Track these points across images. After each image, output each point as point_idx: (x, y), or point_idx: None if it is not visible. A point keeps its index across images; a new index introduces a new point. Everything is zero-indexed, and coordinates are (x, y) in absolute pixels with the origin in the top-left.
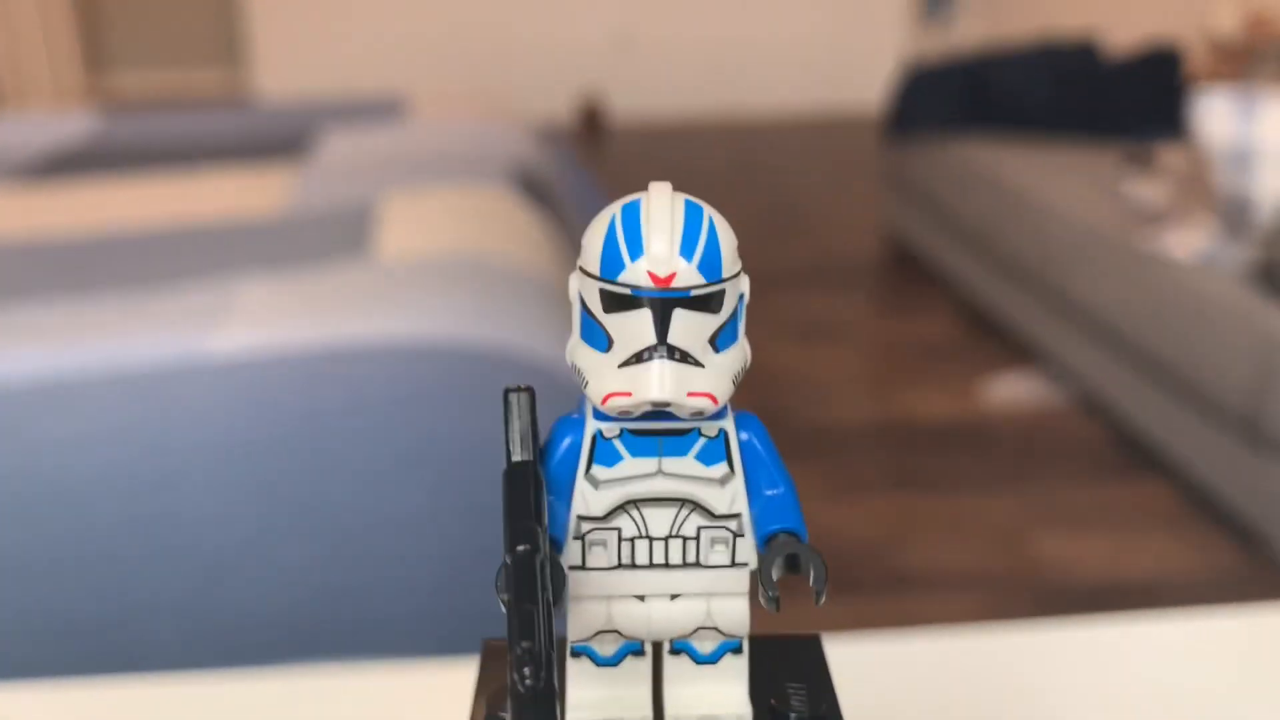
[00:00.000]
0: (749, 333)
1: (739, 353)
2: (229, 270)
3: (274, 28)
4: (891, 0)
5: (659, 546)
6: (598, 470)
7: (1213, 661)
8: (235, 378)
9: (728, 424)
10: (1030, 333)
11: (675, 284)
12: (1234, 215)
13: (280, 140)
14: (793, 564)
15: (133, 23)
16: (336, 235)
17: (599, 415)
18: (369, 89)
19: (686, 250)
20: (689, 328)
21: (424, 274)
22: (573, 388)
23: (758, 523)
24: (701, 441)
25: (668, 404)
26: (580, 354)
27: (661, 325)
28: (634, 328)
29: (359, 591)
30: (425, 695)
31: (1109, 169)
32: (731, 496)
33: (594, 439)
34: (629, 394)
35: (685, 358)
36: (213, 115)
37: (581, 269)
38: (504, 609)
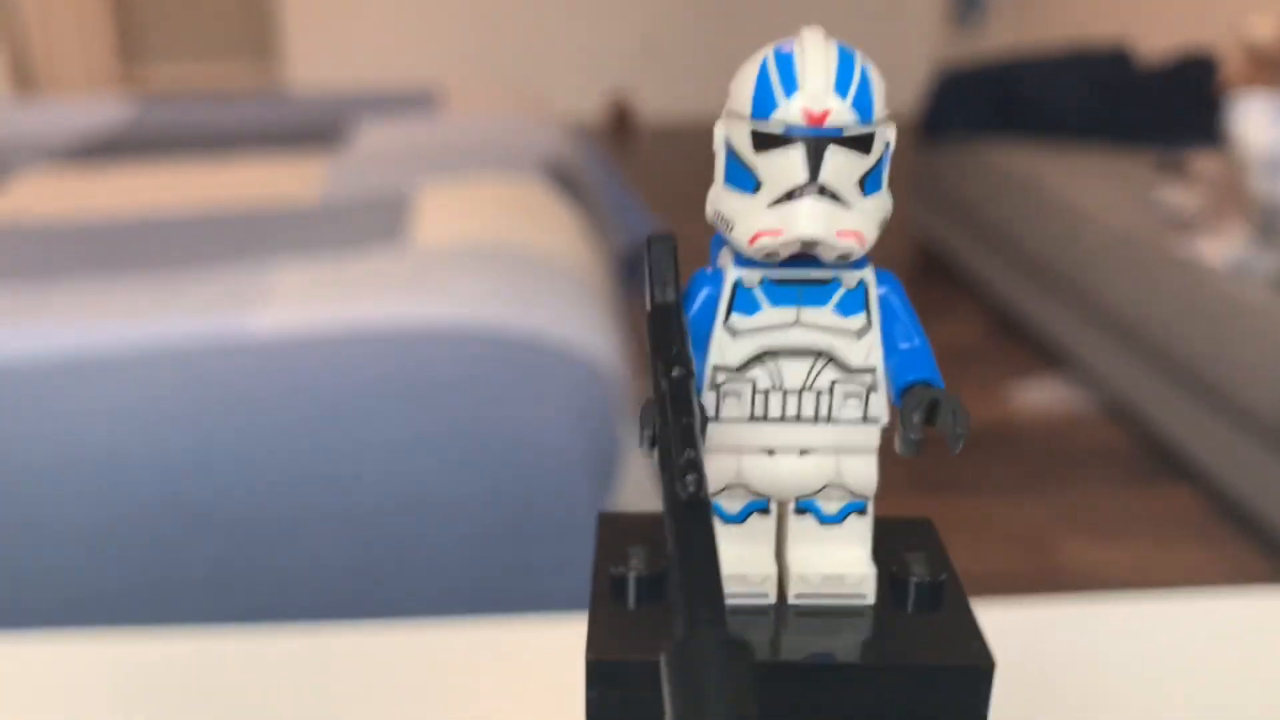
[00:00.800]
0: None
1: (885, 199)
2: (265, 254)
3: (306, 22)
4: (923, 4)
5: (792, 399)
6: (736, 319)
7: (1239, 641)
8: (270, 358)
9: (868, 275)
10: (1059, 338)
11: (829, 122)
12: (1267, 222)
13: (315, 129)
14: (929, 416)
15: (166, 15)
16: (372, 222)
17: (741, 262)
18: (402, 81)
19: (841, 89)
20: (840, 167)
21: (457, 260)
22: (608, 377)
23: (894, 375)
24: (841, 292)
25: (817, 242)
26: (725, 200)
27: (814, 163)
28: (785, 166)
29: (389, 570)
30: (461, 653)
31: (1141, 175)
32: (868, 349)
33: (734, 287)
34: (779, 231)
35: (835, 197)
36: (248, 104)
37: (730, 112)
38: (645, 446)
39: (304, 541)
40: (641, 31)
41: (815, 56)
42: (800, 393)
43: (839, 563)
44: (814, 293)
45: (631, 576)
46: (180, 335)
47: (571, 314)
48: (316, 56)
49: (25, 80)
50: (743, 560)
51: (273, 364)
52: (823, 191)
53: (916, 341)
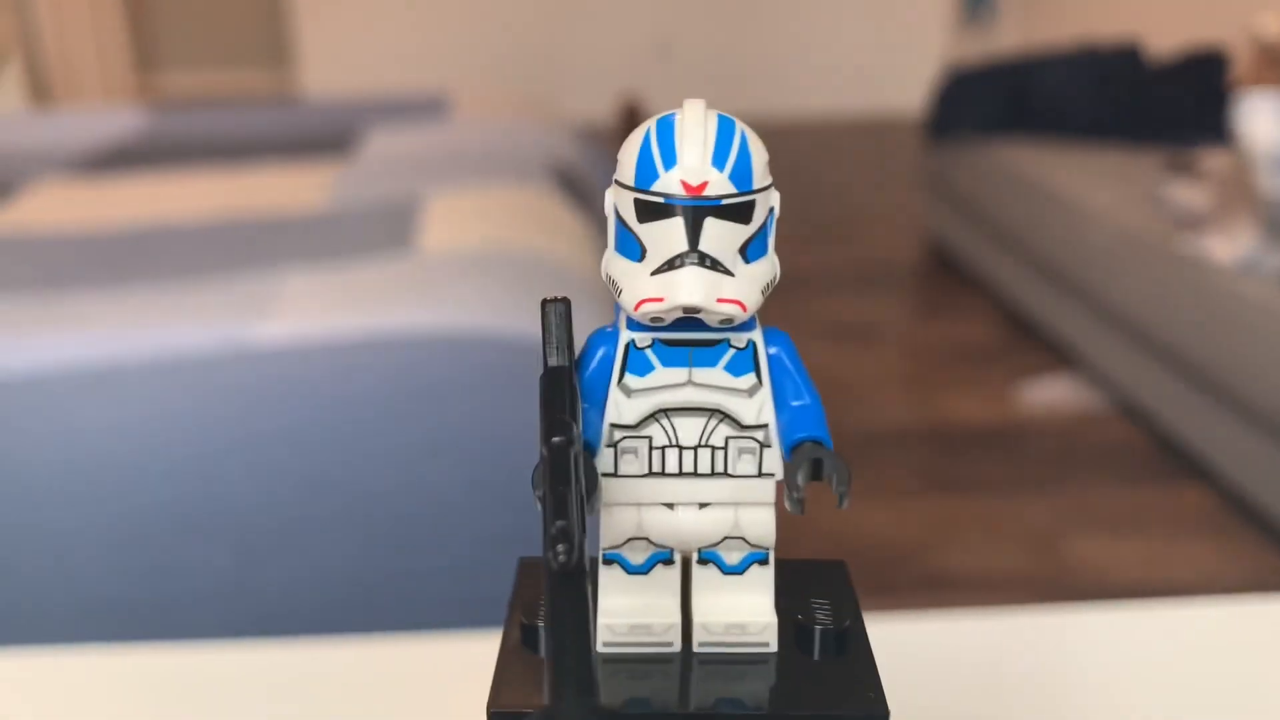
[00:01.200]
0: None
1: (769, 265)
2: (274, 262)
3: (319, 28)
4: (931, 4)
5: (688, 455)
6: (630, 379)
7: (1245, 649)
8: (278, 365)
9: (756, 336)
10: (1069, 337)
11: (707, 192)
12: (1277, 220)
13: (326, 137)
14: (816, 472)
15: (181, 24)
16: (380, 229)
17: (632, 325)
18: (412, 88)
19: (718, 160)
20: (720, 236)
21: (464, 267)
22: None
23: (784, 432)
24: (730, 353)
25: (698, 309)
26: (614, 265)
27: (693, 232)
28: (667, 235)
29: (396, 576)
30: (457, 667)
31: (1150, 173)
32: (759, 407)
33: (627, 348)
34: (661, 299)
35: (716, 265)
36: (260, 112)
37: (617, 181)
38: (539, 506)
39: (313, 549)
40: (653, 34)
41: (693, 128)
42: (696, 449)
43: (742, 612)
44: (705, 354)
45: (541, 626)
46: (189, 344)
47: (577, 320)
48: (330, 63)
49: (41, 91)
50: (648, 610)
51: (281, 372)
52: (703, 260)
53: (807, 399)
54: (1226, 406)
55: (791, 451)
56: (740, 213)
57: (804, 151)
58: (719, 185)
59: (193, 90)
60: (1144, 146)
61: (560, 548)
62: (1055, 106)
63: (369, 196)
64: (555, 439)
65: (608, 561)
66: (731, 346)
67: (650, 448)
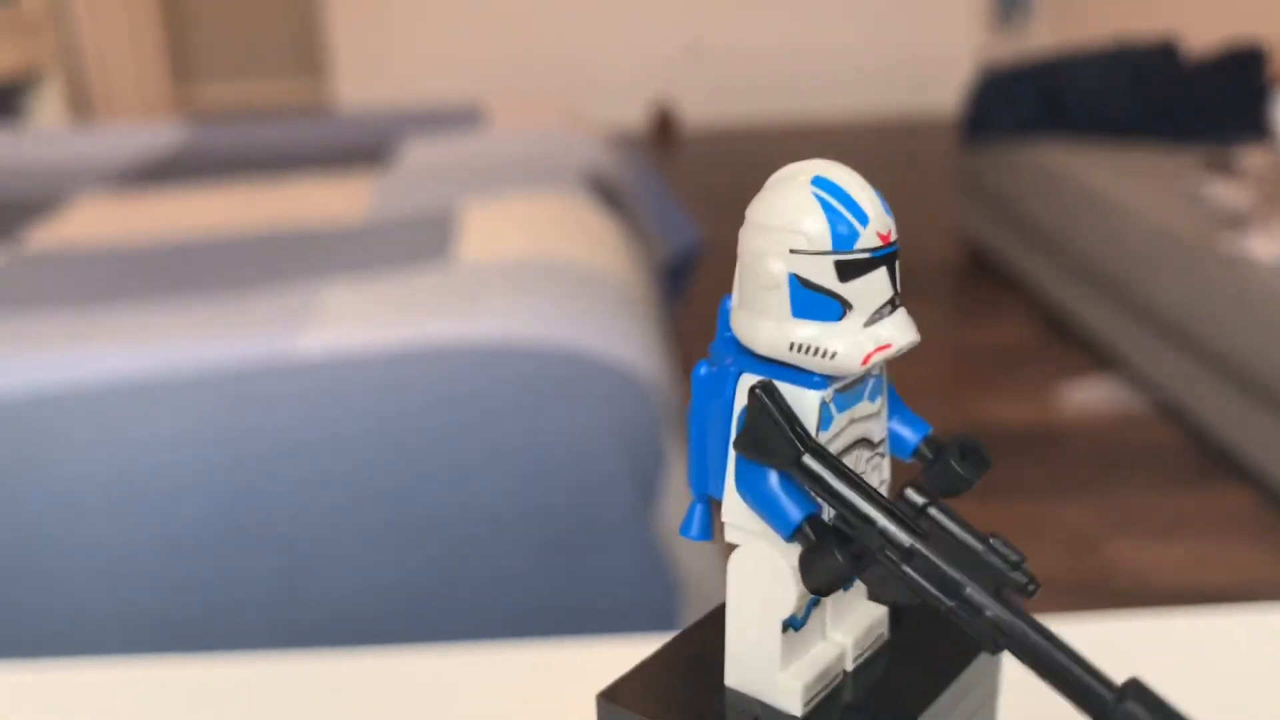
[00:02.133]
0: None
1: None
2: (315, 274)
3: (354, 39)
4: (965, 4)
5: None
6: (822, 437)
7: None
8: (321, 377)
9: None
10: (1108, 338)
11: (893, 239)
12: None
13: (363, 148)
14: (961, 456)
15: (218, 36)
16: (418, 240)
17: (813, 383)
18: (448, 98)
19: (887, 209)
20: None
21: (503, 277)
22: (652, 390)
23: (899, 436)
24: (871, 381)
25: (911, 345)
26: (803, 331)
27: (894, 277)
28: (875, 287)
29: (440, 584)
30: (506, 677)
31: (1189, 171)
32: (883, 424)
33: (820, 408)
34: (889, 345)
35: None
36: (297, 125)
37: (798, 250)
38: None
39: (360, 560)
40: (684, 40)
41: (861, 185)
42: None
43: (869, 613)
44: (858, 390)
45: None
46: (231, 357)
47: (615, 328)
48: (365, 73)
49: (83, 106)
50: (816, 660)
51: (325, 384)
52: (895, 302)
53: (896, 404)
54: (1269, 406)
55: (916, 451)
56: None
57: (837, 154)
58: (894, 231)
59: (229, 102)
60: (1182, 145)
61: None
62: (1091, 105)
63: (407, 207)
64: (923, 523)
65: (794, 627)
66: (871, 375)
67: None
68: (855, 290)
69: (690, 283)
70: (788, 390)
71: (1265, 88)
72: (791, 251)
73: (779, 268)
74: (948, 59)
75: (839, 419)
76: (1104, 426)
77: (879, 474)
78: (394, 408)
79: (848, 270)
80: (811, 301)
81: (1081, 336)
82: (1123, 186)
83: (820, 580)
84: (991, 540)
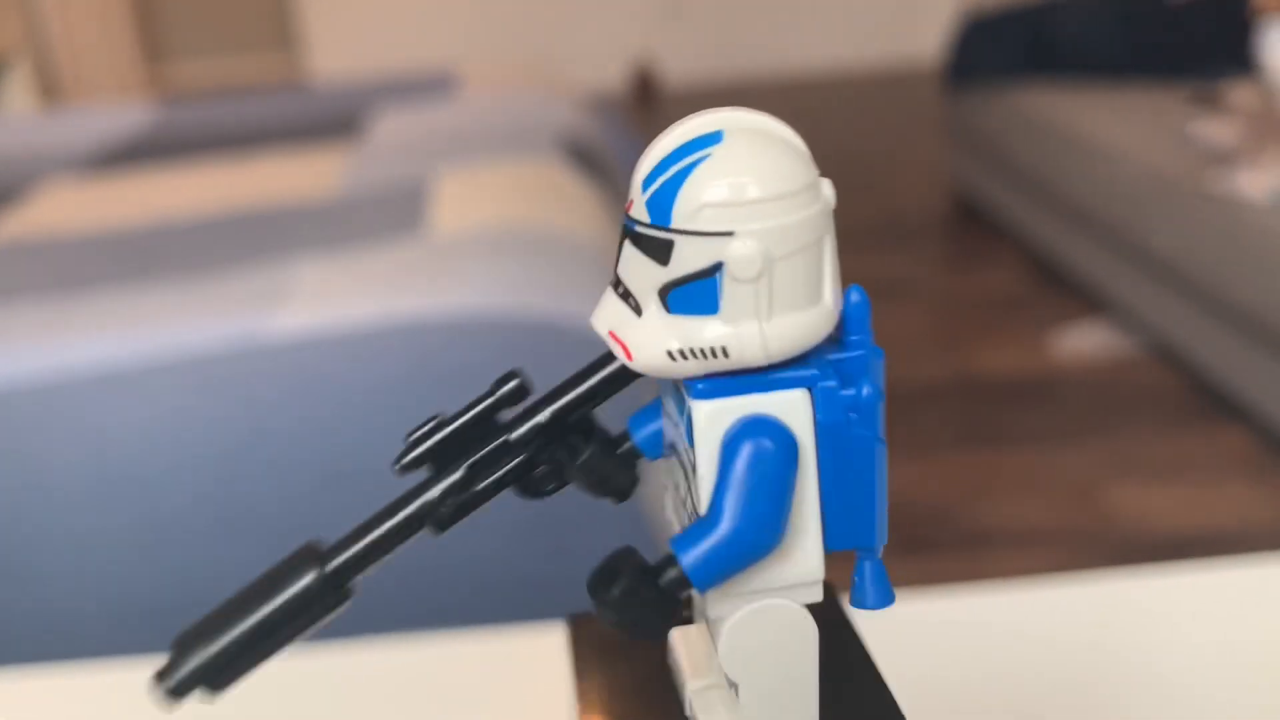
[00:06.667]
0: None
1: (709, 330)
2: (287, 252)
3: (325, 10)
4: None
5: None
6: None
7: None
8: (295, 358)
9: (702, 407)
10: (1100, 282)
11: (631, 212)
12: None
13: (333, 121)
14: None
15: (189, 13)
16: (391, 213)
17: None
18: (419, 67)
19: (648, 181)
20: (633, 267)
21: (478, 248)
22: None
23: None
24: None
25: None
26: None
27: (619, 252)
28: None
29: (421, 565)
30: (495, 661)
31: (1176, 110)
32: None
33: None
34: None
35: (627, 297)
36: (267, 100)
37: None
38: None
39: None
40: None
41: (662, 140)
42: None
43: None
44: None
45: None
46: (204, 340)
47: (594, 296)
48: (339, 45)
49: (52, 88)
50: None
51: (300, 364)
52: (617, 285)
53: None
54: (1263, 345)
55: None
56: (654, 248)
57: (823, 106)
58: (637, 208)
59: (202, 79)
60: (1168, 83)
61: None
62: (1077, 47)
63: (379, 180)
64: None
65: None
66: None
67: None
68: None
69: None
70: None
71: (1248, 22)
72: None
73: None
74: (930, 5)
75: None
76: (1098, 371)
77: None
78: (372, 385)
79: None
80: None
81: (1073, 281)
82: (1110, 128)
83: None
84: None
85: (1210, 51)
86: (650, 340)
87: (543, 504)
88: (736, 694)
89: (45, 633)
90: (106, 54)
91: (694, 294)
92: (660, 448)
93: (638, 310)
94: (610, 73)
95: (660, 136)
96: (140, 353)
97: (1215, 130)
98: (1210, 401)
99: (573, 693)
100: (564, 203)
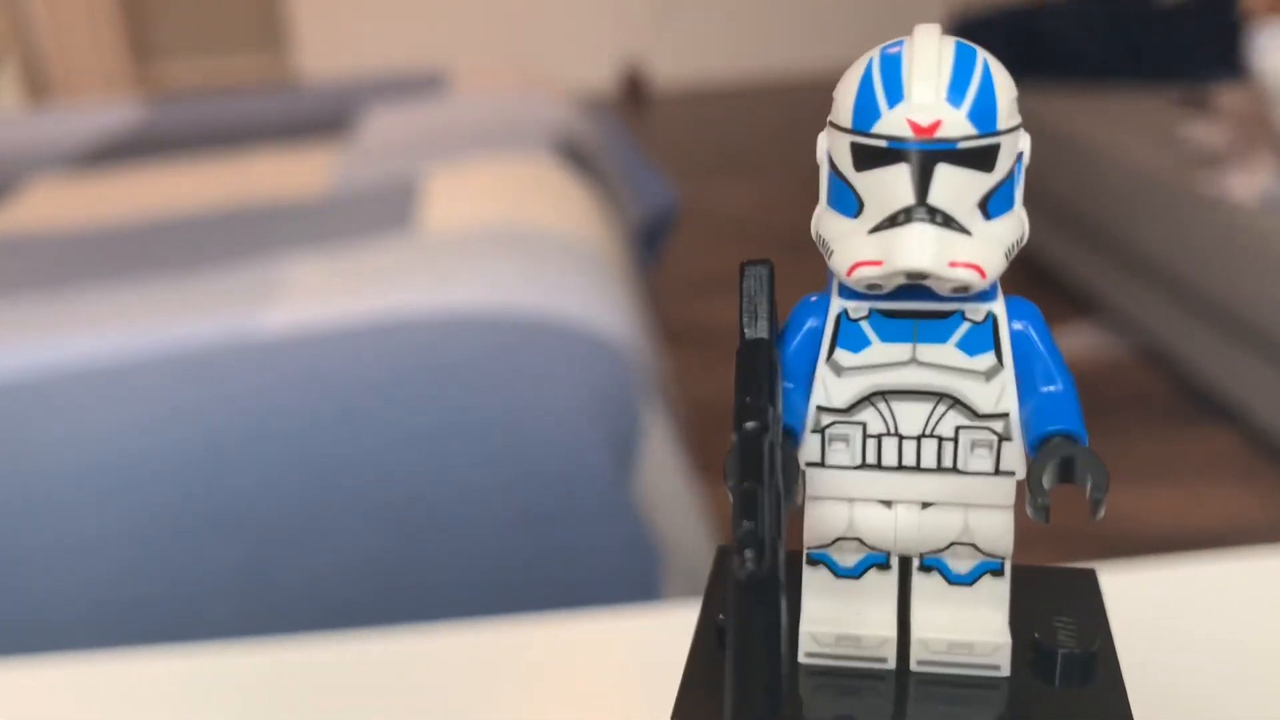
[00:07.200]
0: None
1: (1015, 222)
2: (277, 250)
3: (315, 9)
4: None
5: (910, 446)
6: (841, 355)
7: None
8: (285, 354)
9: (997, 307)
10: (1089, 284)
11: (940, 134)
12: None
13: (323, 120)
14: (1067, 471)
15: (177, 12)
16: (381, 211)
17: (846, 293)
18: (409, 65)
19: (955, 95)
20: (955, 186)
21: (468, 245)
22: (626, 355)
23: (1030, 424)
24: (965, 327)
25: (925, 275)
26: (825, 222)
27: (922, 182)
28: (889, 186)
29: (414, 561)
30: (485, 655)
31: (1165, 113)
32: (998, 393)
33: (839, 319)
34: (879, 263)
35: (949, 222)
36: (256, 98)
37: (831, 124)
38: (730, 499)
39: (331, 539)
40: None
41: (925, 58)
42: (919, 439)
43: (970, 629)
44: (933, 327)
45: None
46: (194, 337)
47: (586, 292)
48: (328, 44)
49: (40, 86)
50: (858, 619)
51: (290, 361)
52: (933, 215)
53: (1058, 385)
54: (1253, 347)
55: (1037, 447)
56: (982, 159)
57: (813, 107)
58: (955, 125)
59: (191, 78)
60: (1158, 86)
61: (748, 554)
62: (1066, 50)
63: (370, 178)
64: (747, 425)
65: (813, 561)
66: (966, 320)
67: (864, 435)
68: (869, 185)
69: (666, 244)
70: (830, 293)
71: (1238, 25)
72: (829, 123)
73: (822, 142)
74: (921, 5)
75: (883, 348)
76: (1087, 373)
77: (986, 458)
78: (361, 382)
79: (863, 156)
80: (838, 189)
81: (1063, 284)
82: (1100, 130)
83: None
84: (736, 498)
85: (1200, 54)
86: (990, 252)
87: (537, 503)
88: None
89: (31, 628)
90: (95, 52)
91: (1002, 195)
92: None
93: (964, 230)
94: (600, 74)
95: (914, 56)
96: (129, 349)
97: (1205, 133)
98: (1199, 403)
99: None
100: (556, 201)
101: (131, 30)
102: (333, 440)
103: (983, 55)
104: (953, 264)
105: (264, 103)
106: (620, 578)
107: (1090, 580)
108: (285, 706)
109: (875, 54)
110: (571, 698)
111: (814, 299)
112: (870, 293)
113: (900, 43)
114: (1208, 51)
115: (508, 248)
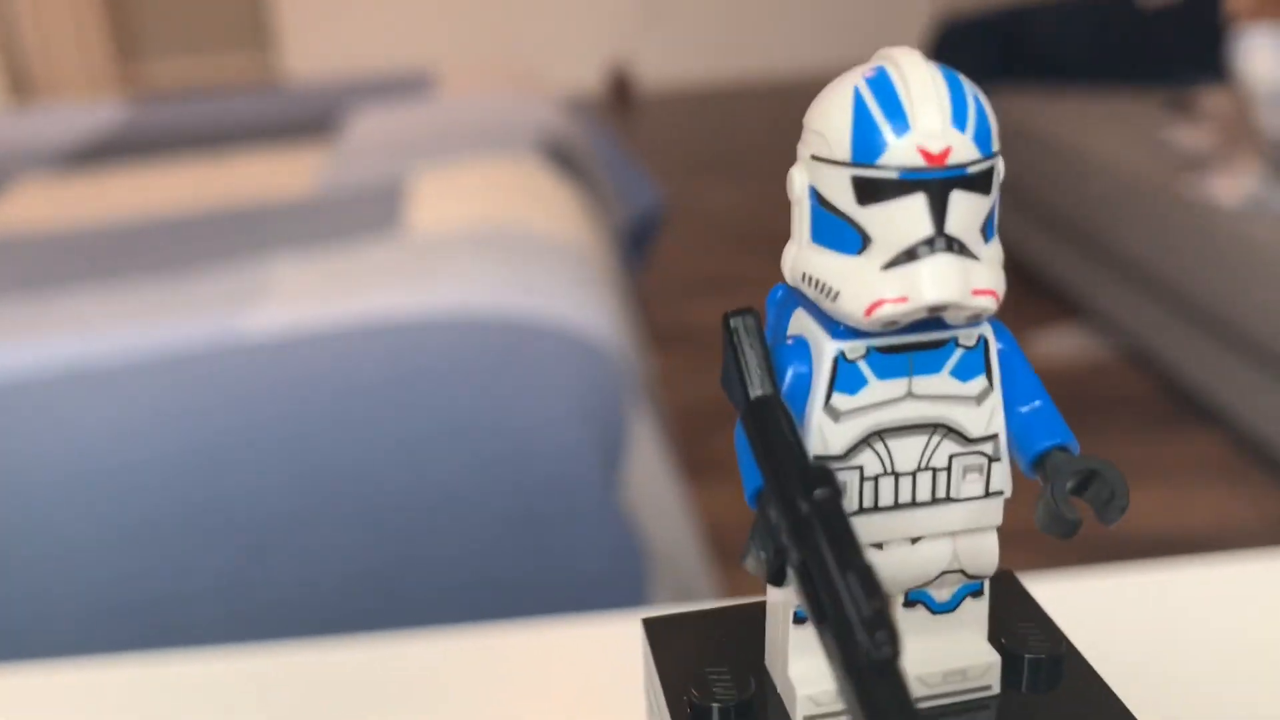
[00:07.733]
0: None
1: (998, 242)
2: (263, 251)
3: (300, 9)
4: None
5: (905, 482)
6: (839, 399)
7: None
8: (272, 356)
9: (986, 330)
10: (1075, 287)
11: (951, 160)
12: (1279, 157)
13: (310, 121)
14: (1080, 485)
15: (162, 11)
16: (367, 212)
17: (842, 333)
18: (396, 66)
19: (958, 120)
20: (967, 213)
21: (455, 247)
22: (612, 358)
23: (1022, 441)
24: (958, 354)
25: (947, 306)
26: (817, 262)
27: (938, 211)
28: (903, 219)
29: (401, 565)
30: (473, 661)
31: (1150, 116)
32: (989, 415)
33: (835, 362)
34: (904, 299)
35: (964, 249)
36: (242, 99)
37: (817, 158)
38: (800, 582)
39: (319, 541)
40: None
41: (922, 84)
42: (914, 474)
43: (959, 655)
44: (928, 358)
45: (716, 709)
46: (179, 339)
47: (572, 295)
48: (314, 45)
49: (23, 86)
50: None
51: (271, 363)
52: (950, 244)
53: (1040, 401)
54: (1237, 350)
55: (1041, 464)
56: (985, 182)
57: (801, 109)
58: (964, 150)
59: (176, 78)
60: (1143, 89)
61: (880, 635)
62: (1052, 53)
63: (355, 179)
64: (820, 492)
65: (800, 620)
66: (960, 346)
67: (861, 479)
68: (876, 218)
69: (653, 246)
70: (814, 335)
71: (1222, 28)
72: (813, 158)
73: (800, 177)
74: (907, 8)
75: (880, 386)
76: (1073, 375)
77: (977, 482)
78: (347, 385)
79: (867, 190)
80: (829, 225)
81: (1048, 286)
82: (1084, 132)
83: (746, 560)
84: (850, 575)
85: (1184, 57)
86: (998, 275)
87: (524, 506)
88: None
89: (19, 632)
90: (79, 52)
91: (992, 217)
92: None
93: (975, 256)
94: (587, 75)
95: (912, 83)
96: (115, 351)
97: (1189, 136)
98: (1185, 406)
99: None
100: (541, 202)
101: (116, 29)
102: (319, 443)
103: (962, 76)
104: (975, 291)
105: (250, 103)
106: (607, 580)
107: (1012, 581)
108: (276, 712)
109: (856, 83)
110: (559, 703)
111: (790, 343)
112: (874, 331)
113: (879, 69)
114: (1192, 55)
115: (494, 249)
